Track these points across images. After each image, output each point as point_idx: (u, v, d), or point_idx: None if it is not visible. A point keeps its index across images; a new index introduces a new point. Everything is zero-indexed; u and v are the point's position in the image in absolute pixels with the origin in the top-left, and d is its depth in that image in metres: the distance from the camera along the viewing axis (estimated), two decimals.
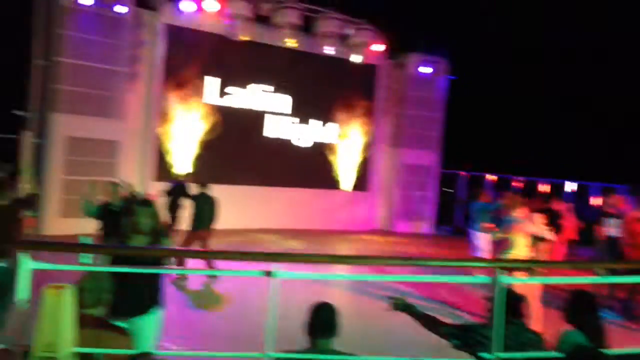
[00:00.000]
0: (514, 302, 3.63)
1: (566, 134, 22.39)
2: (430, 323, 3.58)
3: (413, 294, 8.71)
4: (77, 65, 12.73)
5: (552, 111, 23.05)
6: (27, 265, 2.80)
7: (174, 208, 10.46)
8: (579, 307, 3.76)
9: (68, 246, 3.07)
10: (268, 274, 2.99)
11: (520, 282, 5.05)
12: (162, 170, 14.13)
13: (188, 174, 11.38)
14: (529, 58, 21.53)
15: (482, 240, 10.12)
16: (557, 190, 18.17)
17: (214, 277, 9.05)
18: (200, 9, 14.09)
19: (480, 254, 10.10)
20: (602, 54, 21.26)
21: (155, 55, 14.12)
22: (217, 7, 14.07)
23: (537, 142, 22.77)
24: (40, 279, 2.85)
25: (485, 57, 20.32)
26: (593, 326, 3.66)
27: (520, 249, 6.77)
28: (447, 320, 3.68)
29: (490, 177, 19.29)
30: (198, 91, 14.83)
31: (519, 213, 7.02)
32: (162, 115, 14.32)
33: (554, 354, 3.26)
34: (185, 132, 14.65)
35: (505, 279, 3.14)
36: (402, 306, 3.60)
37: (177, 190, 10.58)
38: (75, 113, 12.76)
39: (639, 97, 19.75)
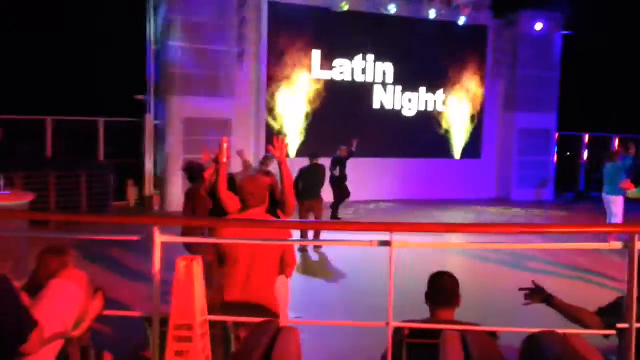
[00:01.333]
0: None
1: None
2: (574, 316, 3.18)
3: (548, 261, 8.35)
4: (187, 48, 13.26)
5: None
6: (158, 239, 2.97)
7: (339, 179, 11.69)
8: None
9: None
10: (387, 243, 2.96)
11: None
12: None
13: (343, 148, 11.85)
14: None
15: (616, 205, 9.41)
16: None
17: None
18: None
19: (614, 220, 9.41)
20: None
21: (261, 32, 14.40)
22: None
23: None
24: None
25: (604, 7, 18.69)
26: None
27: None
28: (591, 306, 3.35)
29: (615, 138, 17.91)
30: (305, 65, 14.99)
31: None
32: (271, 91, 14.65)
33: None
34: (294, 106, 14.91)
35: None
36: (542, 299, 3.27)
37: (338, 161, 11.59)
38: (189, 94, 13.35)
39: None
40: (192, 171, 6.00)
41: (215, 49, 13.54)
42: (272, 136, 13.48)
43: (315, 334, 5.08)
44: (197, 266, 2.69)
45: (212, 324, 2.82)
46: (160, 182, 13.76)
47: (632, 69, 20.37)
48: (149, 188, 13.94)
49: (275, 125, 14.72)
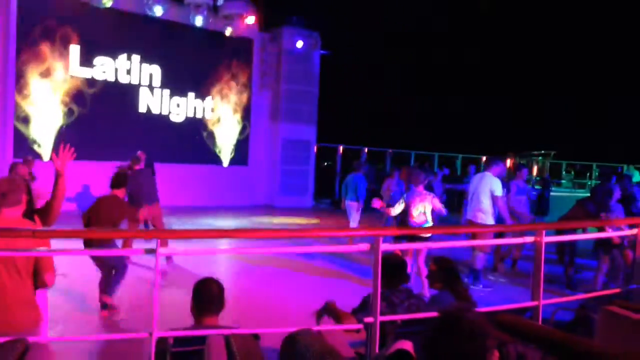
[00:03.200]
0: (397, 268, 3.79)
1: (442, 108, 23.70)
2: (339, 319, 3.41)
3: (308, 264, 8.84)
4: None
5: (426, 83, 24.22)
6: None
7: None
8: (444, 271, 3.98)
9: None
10: (148, 252, 2.88)
11: (399, 248, 5.29)
12: (22, 145, 13.01)
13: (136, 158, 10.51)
14: (400, 34, 22.39)
15: (355, 211, 10.47)
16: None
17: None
18: None
19: (353, 224, 10.43)
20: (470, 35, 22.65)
21: (9, 20, 12.84)
22: None
23: (410, 116, 23.91)
24: None
25: (359, 32, 20.82)
26: (458, 287, 3.92)
27: (420, 218, 6.96)
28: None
29: (364, 150, 19.97)
30: (63, 61, 13.74)
31: (420, 186, 7.09)
32: (21, 88, 13.13)
33: (430, 314, 3.46)
34: (48, 104, 13.55)
35: (384, 246, 3.26)
36: (326, 311, 3.47)
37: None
38: None
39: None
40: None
41: None
42: (22, 135, 12.23)
43: (80, 350, 4.70)
44: None
45: None
46: None
47: (380, 87, 22.97)
48: None
49: (25, 127, 13.23)
